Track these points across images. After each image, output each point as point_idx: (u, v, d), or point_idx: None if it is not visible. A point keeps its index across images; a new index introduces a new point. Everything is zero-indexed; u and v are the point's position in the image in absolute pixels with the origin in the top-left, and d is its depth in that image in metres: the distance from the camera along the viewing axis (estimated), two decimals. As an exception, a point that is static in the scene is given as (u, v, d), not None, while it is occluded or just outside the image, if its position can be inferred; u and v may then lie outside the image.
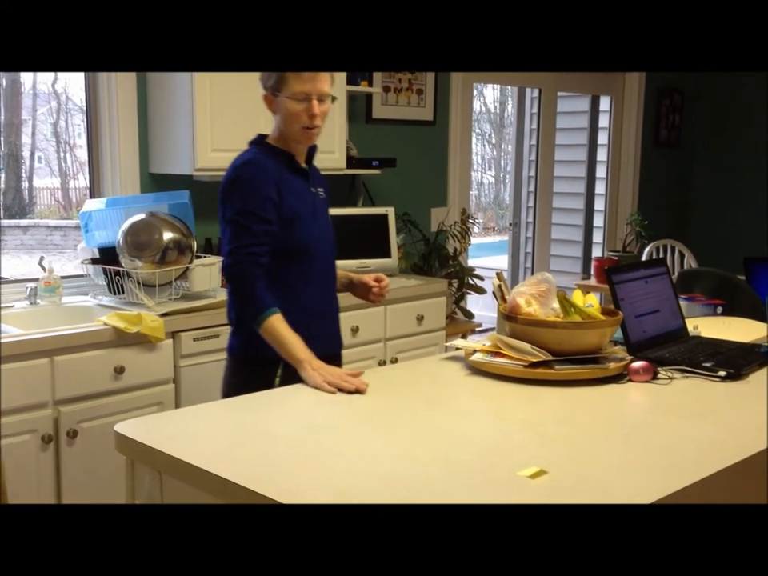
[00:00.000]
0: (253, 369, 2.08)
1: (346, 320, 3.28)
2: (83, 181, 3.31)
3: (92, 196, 3.25)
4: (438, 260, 4.10)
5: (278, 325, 1.96)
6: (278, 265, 2.05)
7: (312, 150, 2.20)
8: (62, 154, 6.98)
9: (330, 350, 2.16)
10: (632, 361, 2.01)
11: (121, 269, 2.85)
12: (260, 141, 2.16)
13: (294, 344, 1.94)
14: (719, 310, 2.65)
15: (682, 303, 2.46)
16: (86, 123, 3.23)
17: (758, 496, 2.02)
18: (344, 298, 2.46)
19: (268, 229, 2.02)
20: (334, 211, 3.80)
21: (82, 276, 3.08)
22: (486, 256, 8.01)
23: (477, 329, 4.21)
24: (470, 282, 4.18)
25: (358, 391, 1.84)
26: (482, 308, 5.49)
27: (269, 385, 2.01)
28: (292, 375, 1.95)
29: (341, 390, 1.84)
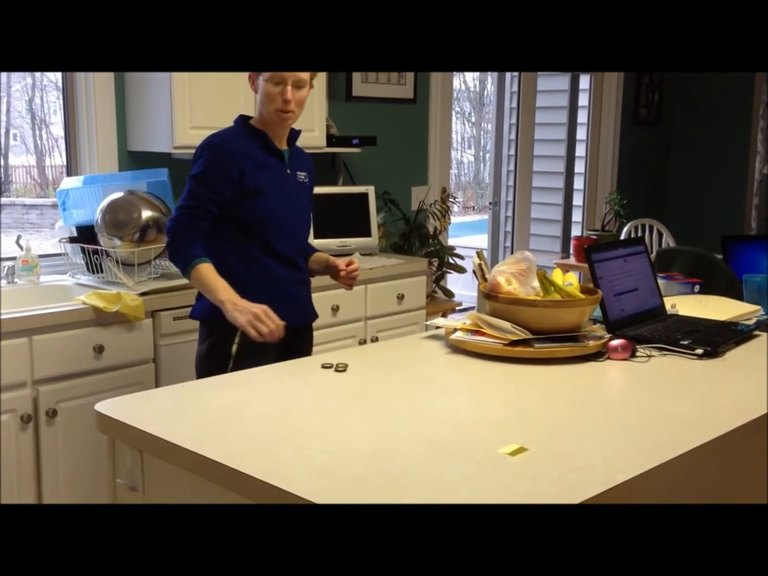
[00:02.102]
0: (213, 333, 2.17)
1: (326, 299, 3.30)
2: (59, 158, 3.27)
3: (69, 174, 3.22)
4: (419, 239, 4.10)
5: (203, 270, 2.07)
6: (241, 236, 2.17)
7: (295, 133, 2.27)
8: (37, 132, 6.89)
9: (296, 320, 2.21)
10: (611, 339, 2.03)
11: (99, 248, 2.83)
12: (241, 120, 2.25)
13: (216, 285, 2.05)
14: (697, 288, 2.68)
15: (660, 282, 2.49)
16: (61, 100, 3.19)
17: (735, 472, 2.06)
18: (325, 278, 2.47)
19: (216, 199, 2.12)
20: (315, 190, 3.80)
21: (59, 255, 3.05)
22: (466, 235, 8.02)
23: (457, 308, 4.23)
24: (450, 261, 4.19)
25: (272, 334, 1.97)
26: (462, 287, 5.51)
27: (227, 350, 2.10)
28: (249, 342, 2.01)
29: (258, 331, 1.96)
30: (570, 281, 2.09)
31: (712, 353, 2.00)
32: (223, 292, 2.04)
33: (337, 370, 1.85)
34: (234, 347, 2.11)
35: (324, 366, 1.88)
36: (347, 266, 2.32)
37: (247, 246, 2.18)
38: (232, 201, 2.14)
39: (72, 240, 2.95)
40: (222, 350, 2.12)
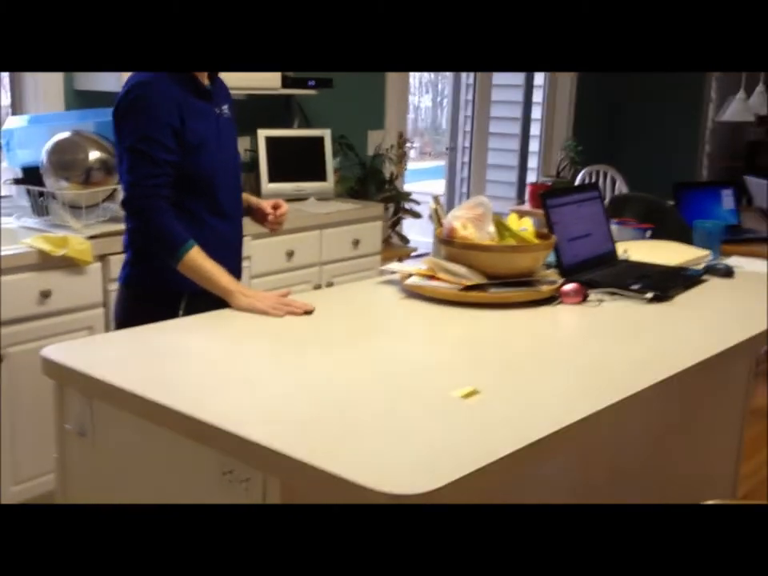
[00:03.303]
0: (154, 303, 1.97)
1: (281, 244, 3.27)
2: (5, 98, 3.15)
3: (14, 113, 3.10)
4: (375, 184, 4.07)
5: (198, 258, 1.87)
6: (184, 196, 1.94)
7: None
8: (-21, 70, 6.62)
9: (228, 262, 2.03)
10: (564, 283, 2.04)
11: (45, 189, 2.74)
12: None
13: (219, 276, 1.87)
14: (648, 233, 2.71)
15: (613, 227, 2.50)
16: (3, 35, 3.06)
17: (684, 413, 2.11)
18: (285, 223, 2.42)
19: (168, 158, 1.89)
20: (269, 133, 3.74)
21: (4, 197, 2.96)
22: (423, 180, 7.99)
23: (412, 254, 4.22)
24: (406, 206, 4.17)
25: (306, 312, 1.82)
26: (418, 233, 5.49)
27: (172, 317, 1.90)
28: (197, 308, 1.87)
29: (291, 313, 1.81)
30: (524, 226, 2.09)
31: (662, 297, 2.03)
32: (230, 282, 1.87)
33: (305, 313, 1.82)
34: (180, 313, 1.94)
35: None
36: (275, 209, 2.17)
37: (195, 207, 1.97)
38: (179, 157, 1.91)
39: (17, 181, 2.86)
40: (163, 316, 1.84)
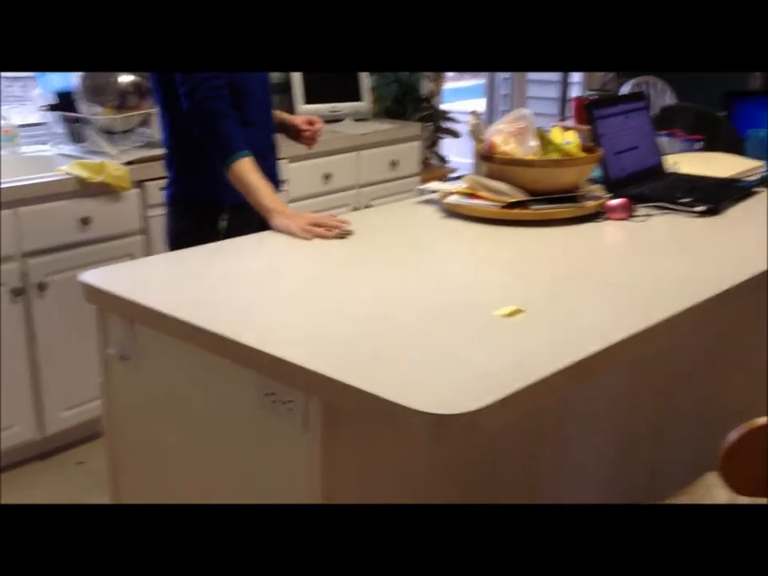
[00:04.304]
0: (197, 215, 2.02)
1: (317, 167, 3.22)
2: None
3: (43, 38, 3.06)
4: (412, 103, 3.97)
5: (247, 169, 1.88)
6: None
7: None
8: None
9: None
10: (610, 198, 1.97)
11: (80, 115, 2.72)
12: None
13: (263, 192, 1.87)
14: (698, 145, 2.60)
15: (662, 139, 2.41)
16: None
17: (735, 330, 2.05)
18: (320, 144, 2.38)
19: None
20: (301, 51, 3.64)
21: (40, 125, 2.94)
22: (462, 100, 7.80)
23: (451, 174, 4.15)
24: (445, 126, 4.07)
25: (340, 235, 1.79)
26: (458, 154, 5.39)
27: (214, 230, 1.98)
28: (238, 220, 1.91)
29: (321, 237, 1.78)
30: (569, 139, 2.01)
31: (713, 210, 1.95)
32: (272, 200, 1.85)
33: (339, 237, 1.79)
34: (224, 223, 1.99)
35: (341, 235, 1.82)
36: (310, 125, 2.18)
37: None
38: None
39: (52, 108, 2.83)
40: (207, 228, 1.97)
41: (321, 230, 1.79)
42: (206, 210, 2.01)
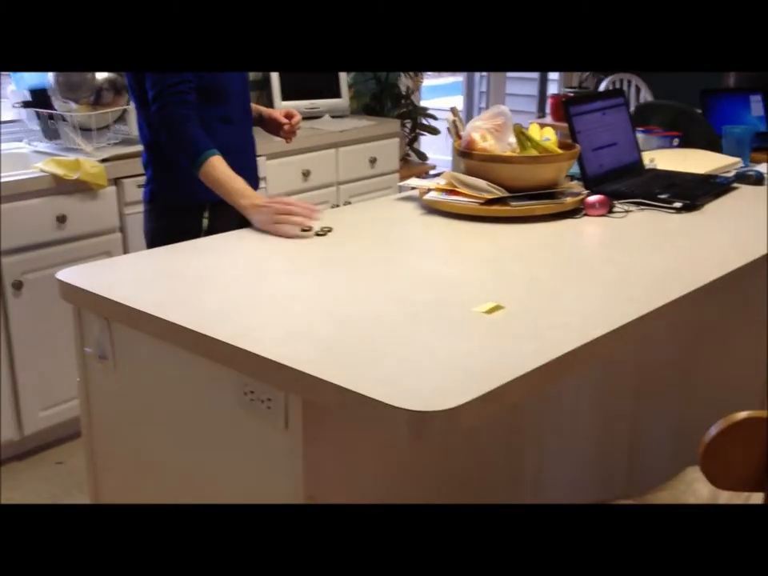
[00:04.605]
0: (177, 214, 2.00)
1: (296, 164, 3.21)
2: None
3: (17, 34, 3.02)
4: (390, 99, 3.97)
5: (218, 166, 1.86)
6: (201, 104, 1.94)
7: None
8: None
9: (254, 188, 2.05)
10: (588, 195, 1.98)
11: (54, 112, 2.69)
12: None
13: (235, 187, 1.85)
14: (676, 141, 2.62)
15: (639, 135, 2.42)
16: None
17: (714, 325, 2.07)
18: (299, 141, 2.36)
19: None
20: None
21: (14, 122, 2.91)
22: (440, 97, 7.81)
23: (431, 171, 4.15)
24: (424, 122, 4.07)
25: (304, 230, 1.77)
26: (436, 151, 5.39)
27: (196, 229, 1.97)
28: (220, 218, 1.90)
29: (285, 235, 1.76)
30: (547, 135, 2.02)
31: (690, 206, 1.97)
32: (244, 195, 1.84)
33: (318, 234, 1.79)
34: (206, 222, 1.99)
35: (303, 230, 1.81)
36: (288, 118, 2.16)
37: (201, 114, 1.95)
38: None
39: (26, 104, 2.80)
40: (188, 227, 1.96)
41: (285, 228, 1.77)
42: (186, 209, 1.99)
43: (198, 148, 1.87)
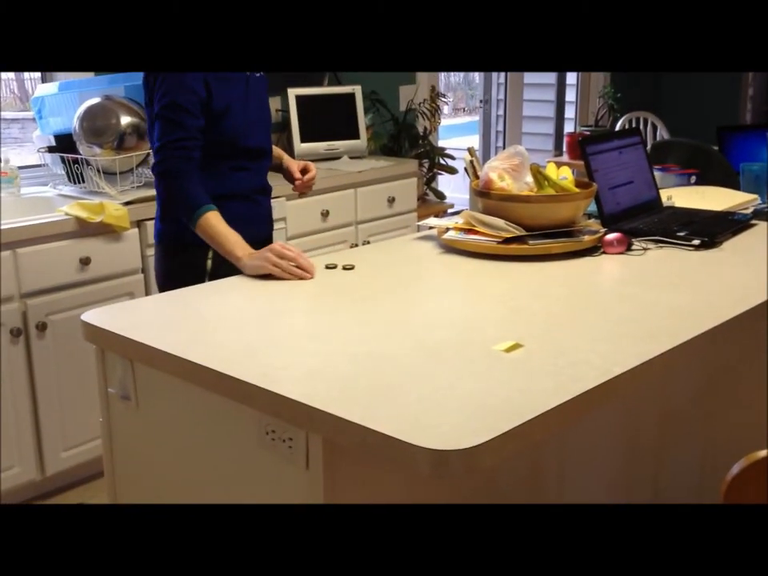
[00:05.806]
0: (183, 254, 2.04)
1: (315, 204, 3.24)
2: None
3: (44, 80, 3.10)
4: (408, 140, 4.01)
5: (213, 222, 1.88)
6: (208, 154, 1.97)
7: None
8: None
9: (260, 233, 2.11)
10: (606, 233, 1.99)
11: (79, 156, 2.75)
12: None
13: (230, 241, 1.87)
14: (693, 179, 2.63)
15: (656, 173, 2.43)
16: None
17: (734, 362, 2.06)
18: (318, 182, 2.39)
19: (197, 123, 1.93)
20: (299, 92, 3.70)
21: (39, 166, 2.97)
22: (457, 137, 7.88)
23: (448, 210, 4.17)
24: (441, 161, 4.10)
25: (300, 277, 1.78)
26: (454, 189, 5.43)
27: (201, 269, 2.00)
28: (223, 260, 1.90)
29: (280, 276, 1.78)
30: (564, 174, 2.04)
31: (709, 243, 1.97)
32: (239, 247, 1.85)
33: (345, 269, 1.84)
34: (209, 262, 2.00)
35: (328, 267, 1.84)
36: (303, 173, 2.20)
37: (215, 164, 2.00)
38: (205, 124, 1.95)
39: (51, 149, 2.86)
40: (194, 267, 2.00)
41: (278, 271, 1.78)
42: (190, 249, 2.00)
43: (194, 204, 1.89)
